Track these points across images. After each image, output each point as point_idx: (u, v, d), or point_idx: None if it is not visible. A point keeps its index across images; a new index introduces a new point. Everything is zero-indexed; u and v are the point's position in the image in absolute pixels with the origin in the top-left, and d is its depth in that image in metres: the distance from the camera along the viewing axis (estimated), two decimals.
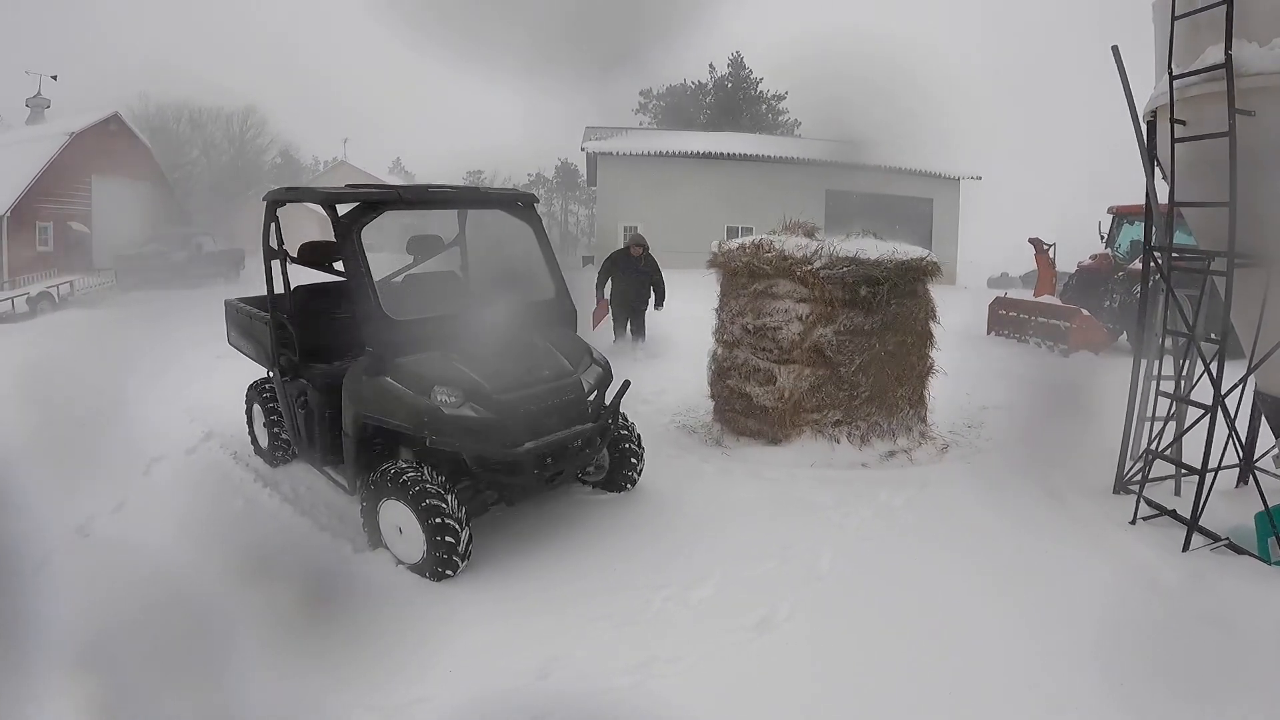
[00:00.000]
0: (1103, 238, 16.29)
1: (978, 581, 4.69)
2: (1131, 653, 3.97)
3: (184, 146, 45.18)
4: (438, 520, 4.76)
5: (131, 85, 39.70)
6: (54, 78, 32.92)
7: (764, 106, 47.19)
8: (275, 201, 6.05)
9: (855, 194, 27.45)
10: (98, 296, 21.36)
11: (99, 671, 3.81)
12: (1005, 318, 15.09)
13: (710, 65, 46.55)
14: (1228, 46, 4.68)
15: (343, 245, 5.22)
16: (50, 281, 21.80)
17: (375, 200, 5.36)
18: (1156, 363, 6.15)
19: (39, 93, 32.77)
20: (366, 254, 5.27)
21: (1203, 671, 3.77)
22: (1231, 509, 5.51)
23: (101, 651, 3.97)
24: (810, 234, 7.66)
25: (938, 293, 7.70)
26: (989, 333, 15.26)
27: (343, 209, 5.33)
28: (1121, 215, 15.79)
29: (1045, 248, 18.04)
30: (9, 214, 25.82)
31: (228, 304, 7.39)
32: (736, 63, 46.86)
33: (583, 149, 32.35)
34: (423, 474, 4.89)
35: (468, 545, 4.86)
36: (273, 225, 6.01)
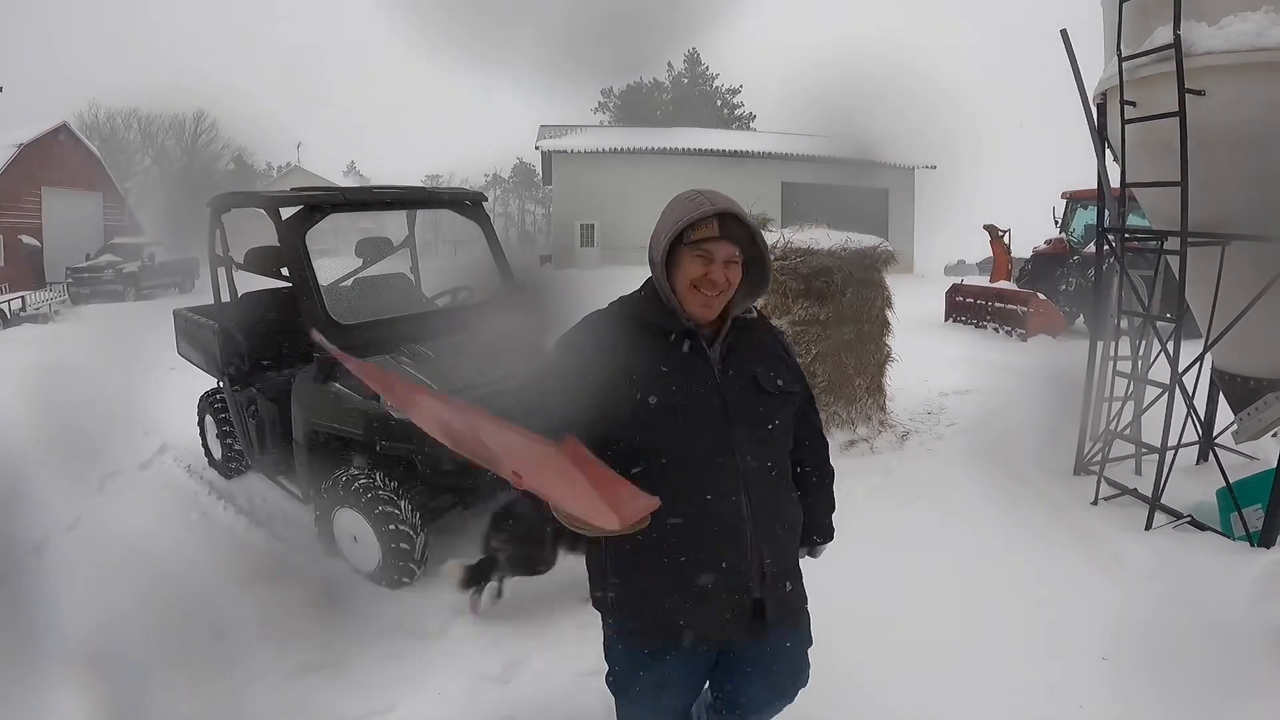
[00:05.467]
0: (1057, 223, 16.49)
1: (940, 566, 4.66)
2: (1095, 632, 3.95)
3: (135, 155, 44.62)
4: (392, 527, 4.64)
5: (80, 94, 39.08)
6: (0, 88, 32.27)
7: (719, 101, 47.31)
8: (219, 207, 5.87)
9: (811, 186, 27.59)
10: (49, 311, 20.87)
11: (66, 682, 3.69)
12: (962, 304, 15.22)
13: (668, 64, 46.59)
14: (1176, 26, 4.68)
15: (287, 250, 5.11)
16: (0, 298, 21.29)
17: (319, 203, 5.24)
18: (1113, 344, 6.18)
19: None
20: (313, 259, 5.17)
21: (1168, 649, 3.75)
22: (1193, 486, 5.56)
23: (63, 663, 3.84)
24: (763, 225, 7.60)
25: (895, 282, 7.69)
26: (947, 320, 15.40)
27: (288, 213, 5.23)
28: (1075, 200, 15.98)
29: (1000, 234, 18.25)
30: None
31: (176, 314, 7.24)
32: (693, 59, 46.95)
33: (537, 147, 32.23)
34: (375, 480, 4.76)
35: (424, 551, 4.75)
36: (218, 231, 5.86)
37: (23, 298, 20.98)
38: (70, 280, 24.37)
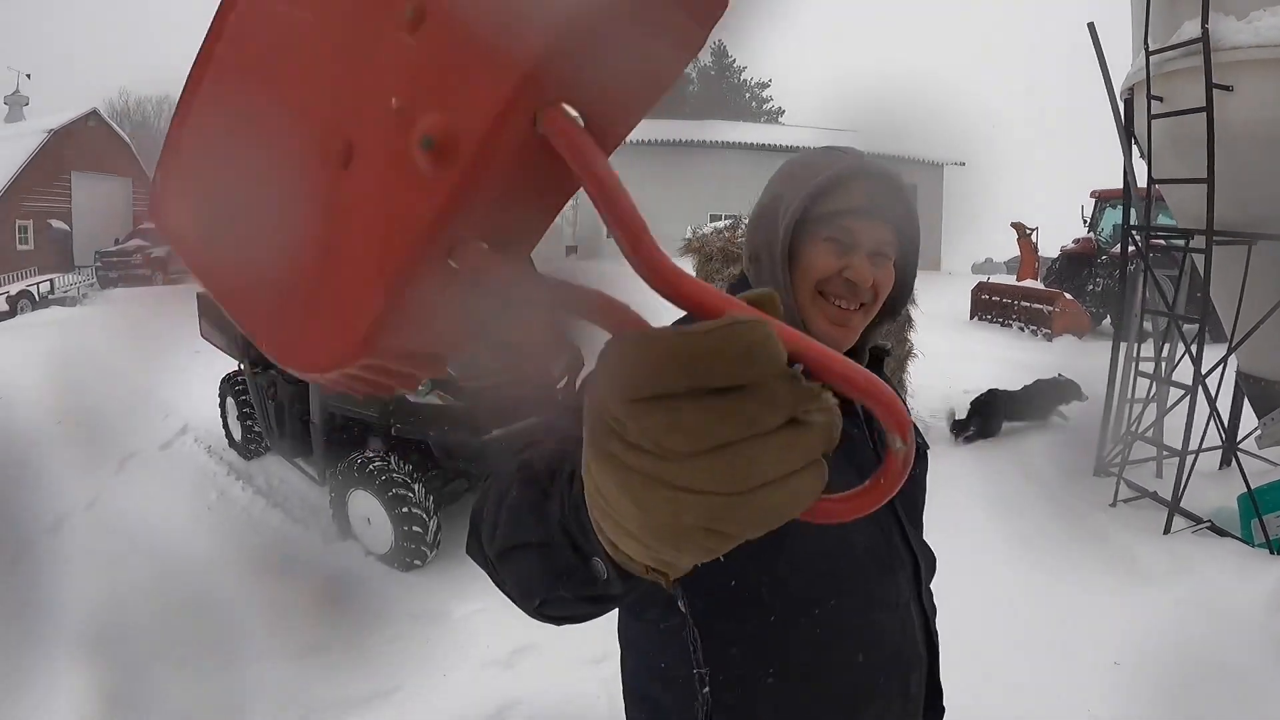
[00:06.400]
0: (1085, 222, 16.31)
1: (949, 563, 4.61)
2: (1107, 636, 3.92)
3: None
4: (405, 510, 4.67)
5: (111, 81, 39.49)
6: (28, 75, 32.71)
7: (748, 95, 47.17)
8: None
9: None
10: (78, 294, 21.11)
11: (79, 659, 3.75)
12: (988, 303, 15.09)
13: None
14: (1204, 20, 4.62)
15: None
16: (30, 280, 21.56)
17: None
18: (1136, 344, 6.11)
19: (17, 90, 32.56)
20: None
21: (1181, 655, 3.71)
22: (1215, 491, 5.47)
23: (75, 641, 3.90)
24: None
25: (922, 279, 7.59)
26: (972, 318, 15.27)
27: None
28: (1104, 199, 15.80)
29: (1027, 232, 18.09)
30: None
31: (200, 296, 7.32)
32: (720, 51, 46.80)
33: None
34: (389, 464, 4.79)
35: (436, 534, 4.78)
36: None
37: (51, 280, 21.24)
38: (99, 264, 24.59)
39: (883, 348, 1.47)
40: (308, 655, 3.85)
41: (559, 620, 0.92)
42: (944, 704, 1.48)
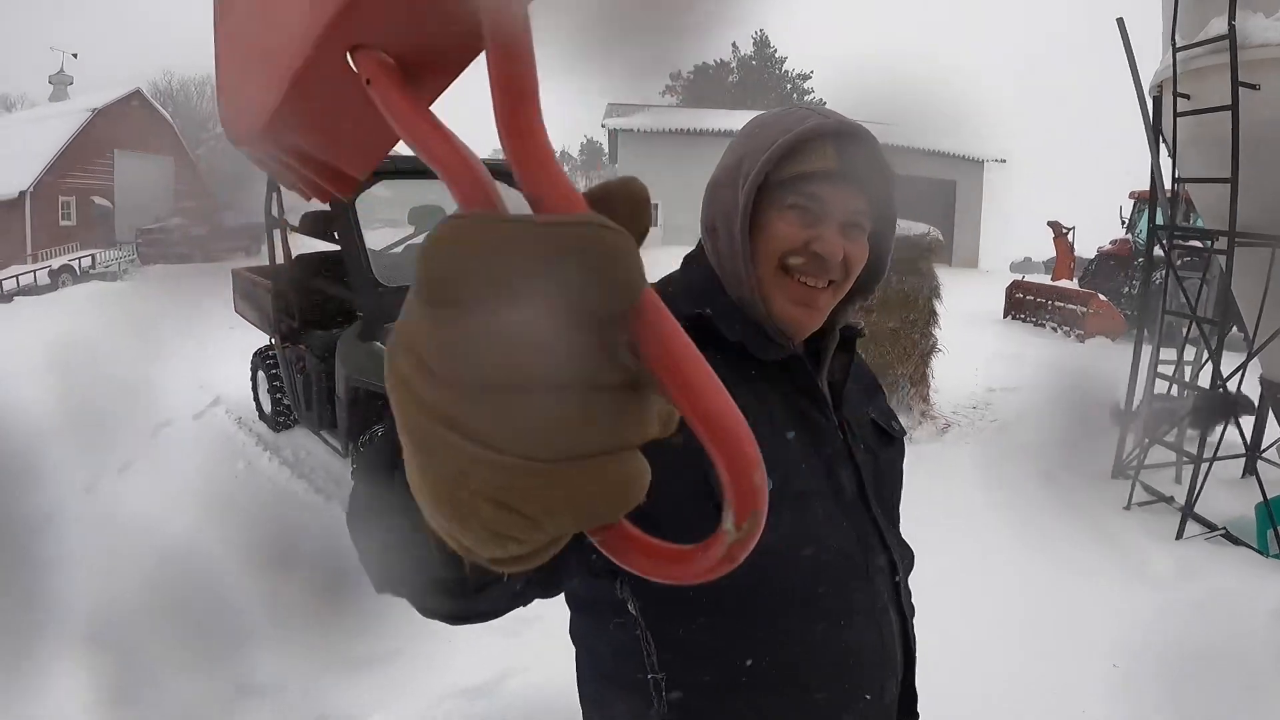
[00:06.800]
0: (1123, 223, 16.12)
1: (961, 559, 4.63)
2: (1109, 637, 3.90)
3: (208, 122, 45.53)
4: None
5: (155, 61, 39.93)
6: (74, 55, 33.24)
7: (789, 86, 46.85)
8: None
9: None
10: (118, 270, 21.48)
11: (96, 625, 3.85)
12: (1022, 301, 14.94)
13: (734, 44, 46.14)
14: (1231, 16, 4.59)
15: (335, 213, 5.26)
16: (71, 255, 21.98)
17: None
18: (1159, 345, 6.06)
19: (62, 69, 33.14)
20: (377, 229, 5.31)
21: (1182, 661, 3.69)
22: (1233, 500, 5.43)
23: (100, 603, 4.00)
24: None
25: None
26: (1005, 316, 15.12)
27: None
28: (1142, 200, 15.58)
29: (1064, 231, 17.90)
30: (32, 189, 26.17)
31: (235, 273, 7.51)
32: (761, 41, 46.49)
33: (603, 125, 32.19)
34: None
35: None
36: (274, 195, 6.07)
37: (93, 255, 21.61)
38: (139, 241, 24.97)
39: (855, 328, 1.28)
40: (312, 617, 3.92)
41: (438, 615, 0.77)
42: (918, 709, 1.37)
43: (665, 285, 1.22)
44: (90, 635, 3.74)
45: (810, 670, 1.13)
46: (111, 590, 4.06)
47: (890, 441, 1.34)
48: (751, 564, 0.68)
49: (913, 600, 1.33)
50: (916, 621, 1.31)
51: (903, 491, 1.39)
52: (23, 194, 26.13)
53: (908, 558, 1.32)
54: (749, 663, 1.09)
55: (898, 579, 1.25)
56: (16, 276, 19.72)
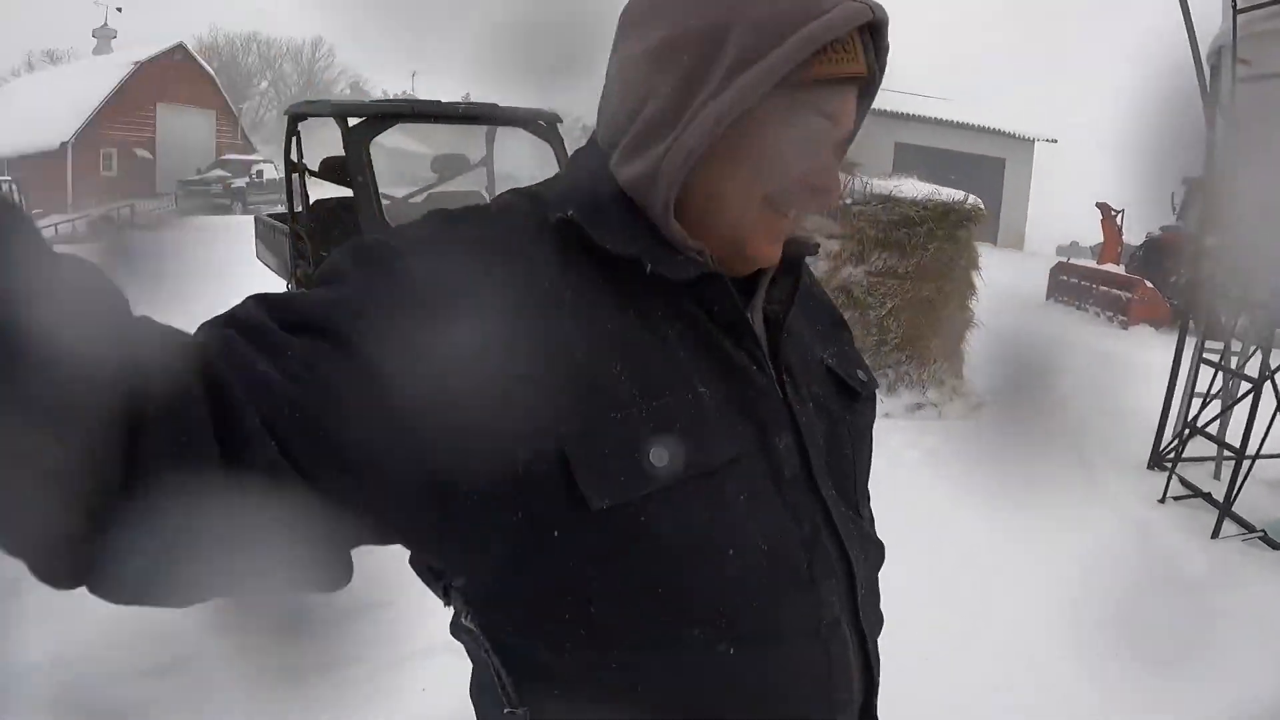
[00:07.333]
0: (1174, 209, 15.70)
1: (974, 544, 4.41)
2: (1125, 632, 3.66)
3: (254, 78, 45.88)
4: None
5: (201, 16, 40.25)
6: (119, 9, 33.63)
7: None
8: (296, 116, 6.09)
9: (925, 148, 26.63)
10: (156, 220, 21.65)
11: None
12: (1065, 284, 14.62)
13: None
14: None
15: (350, 157, 5.19)
16: (110, 205, 22.19)
17: (384, 113, 5.37)
18: (1204, 331, 5.78)
19: (105, 23, 33.54)
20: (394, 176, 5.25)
21: (1216, 667, 3.46)
22: (1276, 500, 5.12)
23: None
24: (849, 170, 7.24)
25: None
26: (1048, 299, 14.83)
27: (355, 124, 5.35)
28: (1196, 187, 15.14)
29: (1113, 213, 17.52)
30: (74, 141, 26.46)
31: (256, 219, 7.49)
32: None
33: None
34: None
35: None
36: (294, 140, 6.03)
37: (131, 206, 21.81)
38: (180, 192, 25.23)
39: (806, 242, 0.95)
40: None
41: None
42: None
43: (562, 186, 0.88)
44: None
45: (723, 709, 0.81)
46: None
47: (853, 398, 0.99)
48: (639, 570, 0.64)
49: (881, 608, 1.00)
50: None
51: (872, 462, 1.06)
52: (64, 145, 26.43)
53: (872, 554, 0.98)
54: (634, 701, 0.78)
55: (856, 584, 0.90)
56: (55, 225, 19.92)
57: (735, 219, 0.83)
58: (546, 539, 0.73)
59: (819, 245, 1.04)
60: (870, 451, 1.05)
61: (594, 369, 0.75)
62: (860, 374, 1.03)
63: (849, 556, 0.89)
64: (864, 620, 0.92)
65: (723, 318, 0.84)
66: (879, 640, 0.97)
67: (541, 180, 0.93)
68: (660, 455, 0.74)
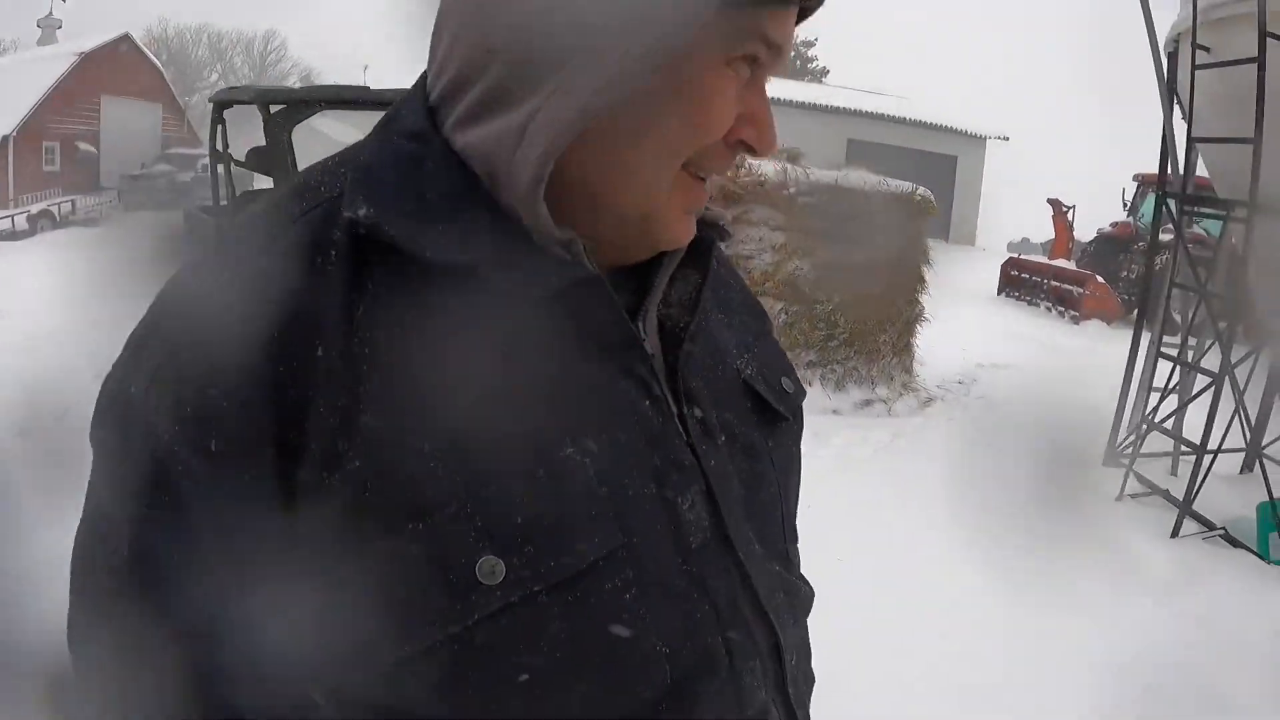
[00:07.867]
0: (1125, 205, 15.97)
1: (926, 547, 4.28)
2: (1092, 641, 3.55)
3: (203, 70, 45.14)
4: None
5: (151, 7, 39.64)
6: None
7: (792, 53, 46.46)
8: (221, 103, 5.90)
9: (878, 145, 26.75)
10: (99, 215, 21.23)
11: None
12: (1017, 279, 14.84)
13: None
14: None
15: (270, 145, 5.00)
16: (51, 200, 21.69)
17: (305, 99, 5.22)
18: (1161, 325, 5.71)
19: (50, 13, 32.95)
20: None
21: (1173, 675, 3.34)
22: (1234, 497, 5.05)
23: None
24: (795, 159, 7.03)
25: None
26: (999, 293, 15.00)
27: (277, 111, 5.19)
28: (1146, 183, 15.33)
29: (1064, 210, 17.78)
30: (15, 133, 25.90)
31: (186, 212, 7.30)
32: None
33: None
34: None
35: None
36: (219, 128, 5.81)
37: (73, 201, 21.38)
38: (124, 187, 24.76)
39: (718, 221, 0.73)
40: None
41: None
42: None
43: (365, 167, 0.61)
44: None
45: None
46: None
47: (773, 421, 0.77)
48: (479, 704, 0.54)
49: (811, 666, 0.80)
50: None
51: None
52: (5, 138, 25.80)
53: (800, 606, 0.78)
54: None
55: (784, 656, 0.71)
56: None
57: (644, 190, 0.61)
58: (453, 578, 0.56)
59: (731, 221, 0.82)
60: (799, 478, 0.83)
61: (393, 461, 0.55)
62: (785, 383, 0.81)
63: (774, 625, 0.69)
64: (793, 696, 0.72)
65: (602, 336, 0.62)
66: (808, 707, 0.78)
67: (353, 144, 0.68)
68: (492, 569, 0.55)
